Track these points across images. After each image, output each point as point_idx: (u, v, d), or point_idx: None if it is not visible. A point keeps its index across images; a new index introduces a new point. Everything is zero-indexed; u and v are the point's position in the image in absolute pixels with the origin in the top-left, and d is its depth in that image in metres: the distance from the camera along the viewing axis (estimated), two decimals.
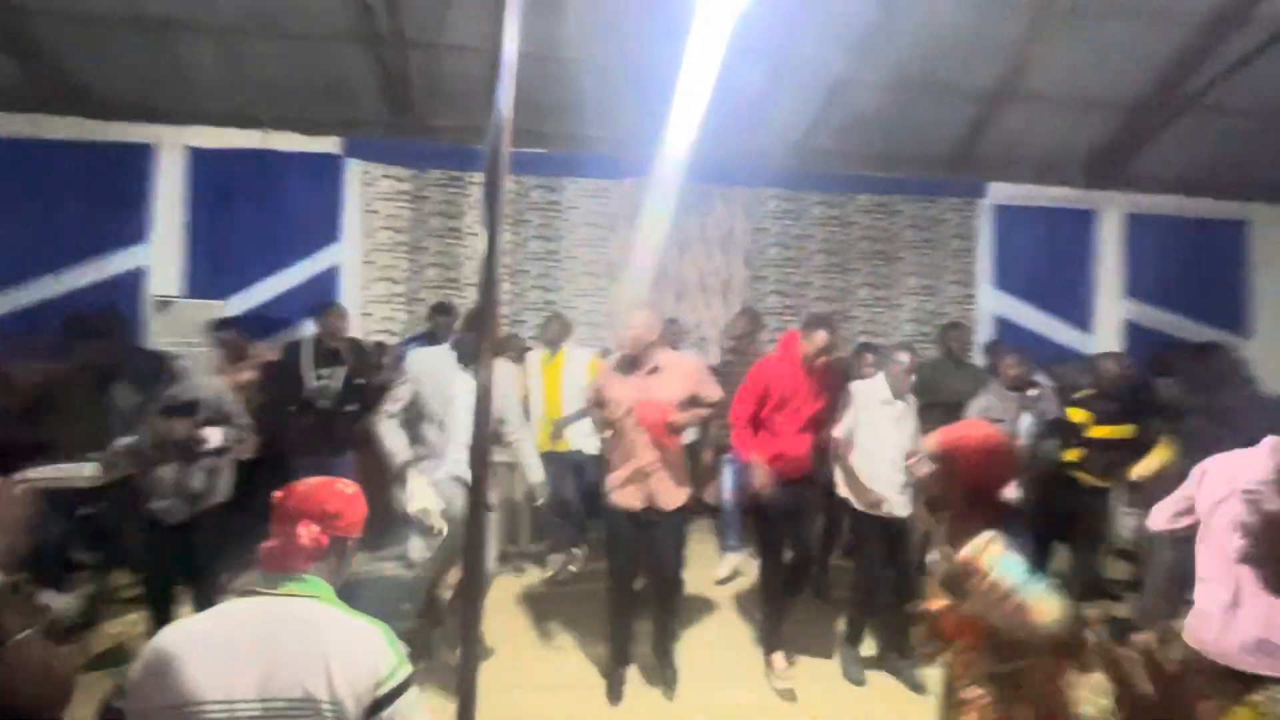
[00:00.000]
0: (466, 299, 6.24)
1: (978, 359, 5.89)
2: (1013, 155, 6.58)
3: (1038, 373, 3.98)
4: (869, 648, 3.48)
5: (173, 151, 5.80)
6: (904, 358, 3.30)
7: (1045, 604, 1.56)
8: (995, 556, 1.64)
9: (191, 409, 3.03)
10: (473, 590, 1.62)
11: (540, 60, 5.32)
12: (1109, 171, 6.71)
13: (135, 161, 5.75)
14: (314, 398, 3.79)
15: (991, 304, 6.79)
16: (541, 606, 3.96)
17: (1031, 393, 3.67)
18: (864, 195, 6.73)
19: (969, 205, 6.81)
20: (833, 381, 3.31)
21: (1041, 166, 6.69)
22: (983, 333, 6.66)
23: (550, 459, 4.07)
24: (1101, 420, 3.69)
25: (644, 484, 2.94)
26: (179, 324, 5.34)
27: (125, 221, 5.73)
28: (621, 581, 3.09)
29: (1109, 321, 6.88)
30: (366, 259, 6.09)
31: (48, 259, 5.61)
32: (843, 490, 3.40)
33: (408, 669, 1.24)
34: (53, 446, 3.51)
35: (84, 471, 3.50)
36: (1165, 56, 5.67)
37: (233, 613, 1.21)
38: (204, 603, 3.13)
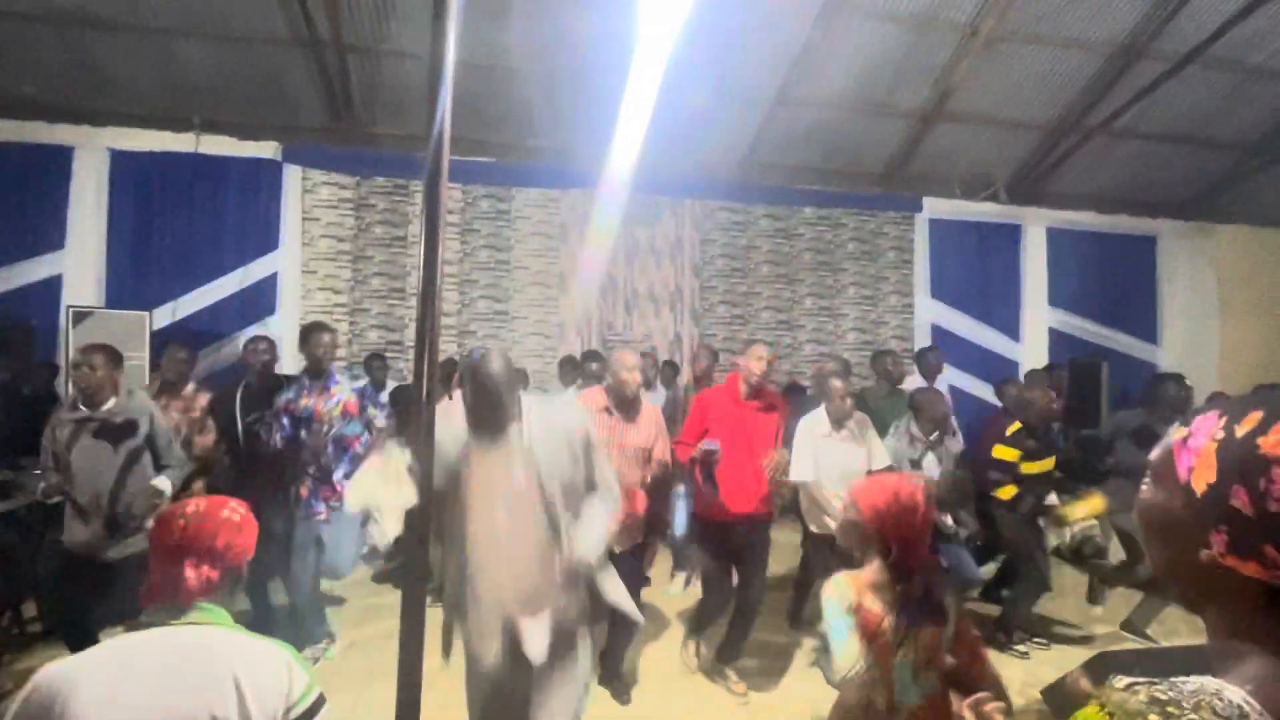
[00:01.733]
0: (412, 309, 6.11)
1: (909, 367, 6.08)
2: (943, 172, 6.93)
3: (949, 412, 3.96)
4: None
5: (92, 154, 5.47)
6: (838, 385, 3.34)
7: (839, 653, 1.53)
8: (826, 598, 1.63)
9: (129, 430, 2.81)
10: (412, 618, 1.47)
11: (486, 69, 5.30)
12: (1031, 188, 7.13)
13: (50, 164, 5.40)
14: (250, 440, 3.55)
15: (928, 313, 7.09)
16: None
17: (935, 434, 3.67)
18: (809, 208, 6.94)
19: (906, 219, 7.11)
20: (775, 413, 3.28)
21: (969, 183, 7.06)
22: (920, 340, 6.94)
23: None
24: (1028, 457, 3.73)
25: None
26: (98, 336, 5.00)
27: (39, 227, 5.37)
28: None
29: (1035, 329, 7.28)
30: (307, 268, 5.89)
31: None
32: (810, 522, 3.51)
33: (318, 690, 1.21)
34: None
35: None
36: (1079, 83, 6.09)
37: (125, 647, 1.14)
38: None
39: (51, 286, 5.37)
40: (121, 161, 5.52)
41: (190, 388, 3.91)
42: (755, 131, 6.25)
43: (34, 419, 4.12)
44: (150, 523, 1.21)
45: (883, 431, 3.70)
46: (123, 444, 2.83)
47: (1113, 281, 7.44)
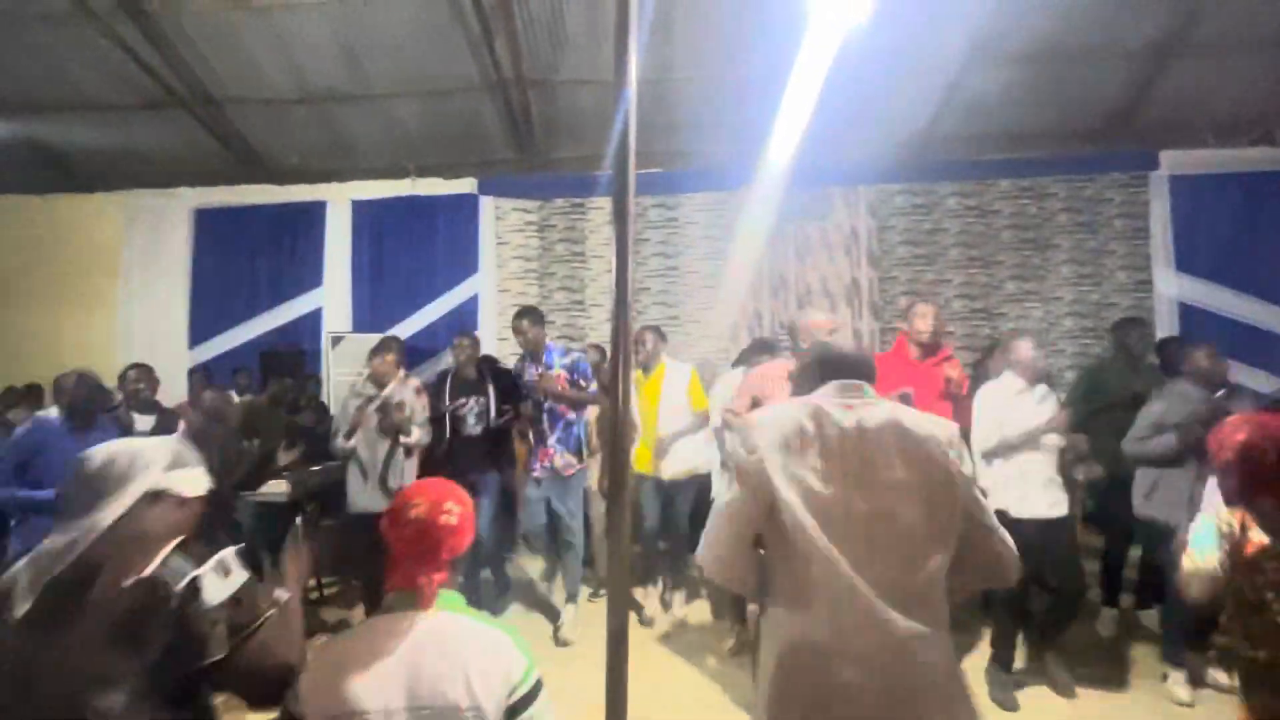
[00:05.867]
0: (591, 319, 6.52)
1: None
2: (1187, 117, 5.72)
3: (1230, 370, 3.39)
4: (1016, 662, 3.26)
5: (339, 205, 6.66)
6: (1024, 343, 3.18)
7: (1197, 551, 1.70)
8: (1202, 516, 1.79)
9: (399, 407, 3.63)
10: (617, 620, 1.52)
11: (651, 83, 5.48)
12: None
13: (311, 217, 6.68)
14: (458, 425, 4.05)
15: (1172, 289, 5.90)
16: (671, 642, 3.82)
17: (1220, 394, 3.13)
18: (1006, 180, 6.17)
19: (1137, 180, 6.00)
20: (946, 367, 3.22)
21: (1224, 127, 5.75)
22: (1162, 322, 5.80)
23: (642, 483, 4.05)
24: None
25: None
26: (349, 356, 6.10)
27: (304, 271, 6.66)
28: None
29: None
30: (501, 287, 6.57)
31: (247, 305, 6.67)
32: (996, 500, 3.17)
33: (537, 673, 1.30)
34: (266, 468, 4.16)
35: (280, 489, 4.11)
36: None
37: (377, 630, 1.29)
38: None
39: (314, 317, 6.63)
40: (359, 209, 6.64)
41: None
42: (938, 101, 5.68)
43: (305, 425, 5.11)
44: (384, 520, 1.36)
45: (1131, 414, 3.30)
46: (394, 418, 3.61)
47: None
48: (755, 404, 2.85)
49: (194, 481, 1.34)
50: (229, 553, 1.26)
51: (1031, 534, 3.04)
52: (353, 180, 6.61)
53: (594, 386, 3.90)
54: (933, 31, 5.01)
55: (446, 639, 1.26)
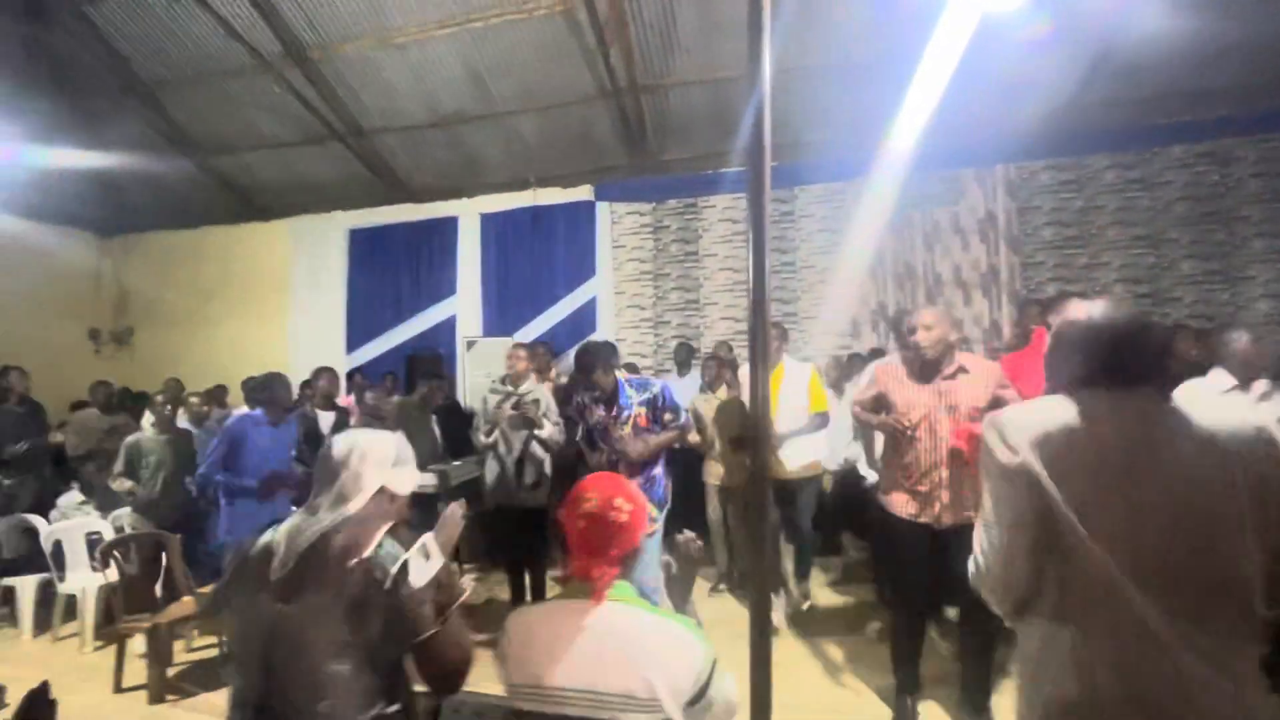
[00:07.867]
0: (706, 318, 6.51)
1: None
2: None
3: None
4: None
5: (469, 219, 7.14)
6: (1239, 335, 2.82)
7: None
8: None
9: (535, 404, 3.78)
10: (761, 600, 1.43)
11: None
12: None
13: (445, 232, 7.22)
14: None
15: None
16: (813, 628, 3.78)
17: None
18: (1179, 146, 5.42)
19: None
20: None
21: None
22: None
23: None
24: None
25: (928, 500, 2.64)
26: (482, 358, 6.54)
27: (440, 281, 7.21)
28: (907, 602, 2.83)
29: None
30: (617, 289, 6.74)
31: (391, 315, 7.32)
32: None
33: (713, 652, 1.28)
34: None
35: (428, 481, 4.48)
36: None
37: (565, 612, 1.31)
38: (538, 579, 3.90)
39: (450, 324, 7.16)
40: (487, 222, 7.08)
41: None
42: (1089, 63, 5.09)
43: (444, 423, 5.52)
44: (561, 510, 1.40)
45: None
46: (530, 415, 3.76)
47: None
48: (879, 400, 2.83)
49: (407, 479, 1.44)
50: (428, 537, 1.34)
51: None
52: (480, 195, 7.07)
53: (683, 415, 3.29)
54: None
55: (625, 631, 1.27)
